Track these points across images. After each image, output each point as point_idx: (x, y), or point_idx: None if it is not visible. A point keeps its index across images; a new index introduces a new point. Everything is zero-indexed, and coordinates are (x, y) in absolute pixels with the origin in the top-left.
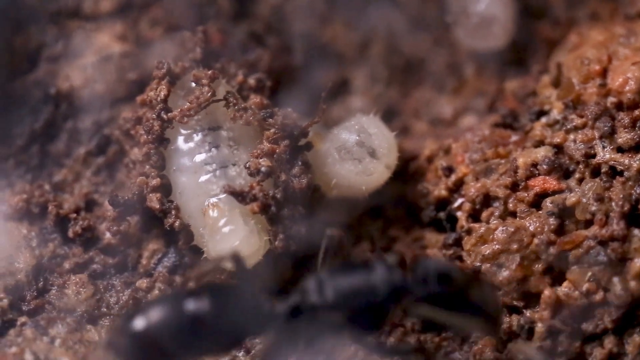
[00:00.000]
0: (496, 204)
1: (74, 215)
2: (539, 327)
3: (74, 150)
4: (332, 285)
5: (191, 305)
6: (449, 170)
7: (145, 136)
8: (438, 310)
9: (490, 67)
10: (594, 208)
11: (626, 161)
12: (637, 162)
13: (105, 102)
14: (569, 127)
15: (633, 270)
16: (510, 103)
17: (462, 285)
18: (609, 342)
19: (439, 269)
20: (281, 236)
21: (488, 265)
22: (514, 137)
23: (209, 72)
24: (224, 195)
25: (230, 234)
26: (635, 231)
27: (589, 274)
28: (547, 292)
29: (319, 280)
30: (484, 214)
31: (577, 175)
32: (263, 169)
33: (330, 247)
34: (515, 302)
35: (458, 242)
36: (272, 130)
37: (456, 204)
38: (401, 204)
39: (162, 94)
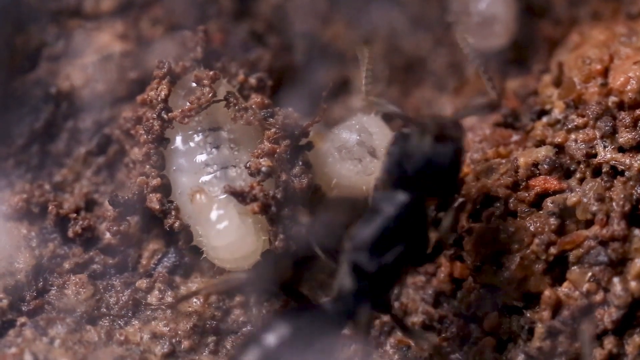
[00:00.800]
0: (497, 203)
1: (74, 215)
2: (539, 327)
3: (74, 149)
4: (372, 248)
5: (273, 339)
6: None
7: (145, 136)
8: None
9: (492, 67)
10: (594, 208)
11: (627, 161)
12: (638, 161)
13: (106, 101)
14: (570, 126)
15: (633, 270)
16: (511, 102)
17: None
18: (609, 343)
19: (418, 160)
20: (281, 236)
21: (488, 265)
22: (515, 137)
23: (210, 72)
24: (225, 196)
25: (224, 231)
26: (636, 231)
27: (589, 274)
28: (547, 293)
29: (360, 252)
30: (485, 214)
31: (578, 175)
32: (263, 168)
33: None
34: (515, 303)
35: (458, 242)
36: (273, 130)
37: (457, 204)
38: None
39: (163, 93)
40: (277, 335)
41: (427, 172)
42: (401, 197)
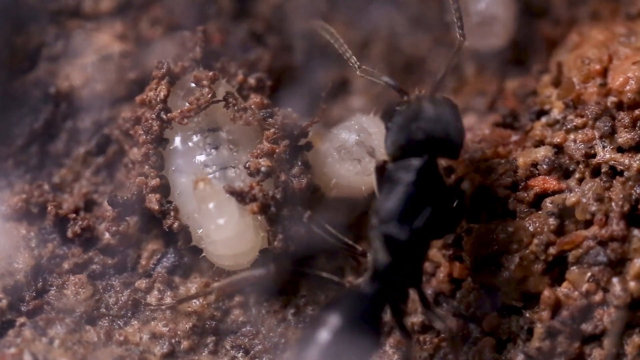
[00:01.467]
0: (496, 204)
1: (73, 215)
2: (538, 327)
3: (73, 150)
4: (400, 216)
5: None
6: (449, 170)
7: (144, 136)
8: None
9: (491, 67)
10: (593, 208)
11: (626, 161)
12: (637, 162)
13: (105, 101)
14: (569, 126)
15: (633, 270)
16: (510, 103)
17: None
18: (609, 343)
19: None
20: (280, 236)
21: (487, 265)
22: (514, 137)
23: (210, 73)
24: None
25: (224, 225)
26: (635, 231)
27: (589, 274)
28: (546, 293)
29: (389, 223)
30: (484, 214)
31: (577, 175)
32: (263, 169)
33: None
34: (514, 303)
35: (458, 242)
36: (272, 130)
37: (456, 204)
38: None
39: (162, 94)
40: (330, 328)
41: (434, 131)
42: (416, 161)
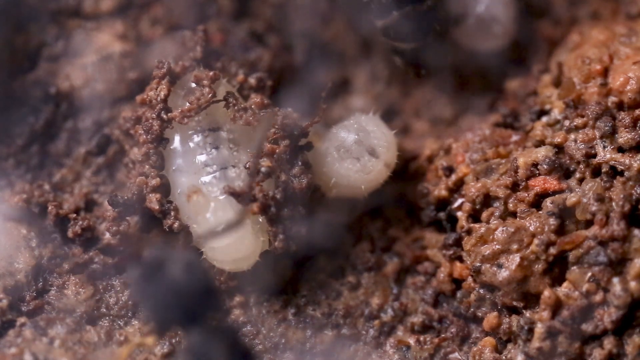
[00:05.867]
0: (496, 204)
1: (74, 215)
2: (539, 327)
3: (74, 149)
4: None
5: None
6: (449, 170)
7: (144, 136)
8: None
9: (491, 67)
10: (594, 208)
11: (627, 161)
12: (638, 162)
13: (106, 101)
14: (569, 126)
15: (633, 270)
16: (510, 103)
17: None
18: (609, 343)
19: None
20: (281, 237)
21: (488, 265)
22: (515, 137)
23: (210, 72)
24: (224, 196)
25: (223, 233)
26: (636, 231)
27: (589, 274)
28: (546, 293)
29: None
30: (484, 214)
31: (577, 175)
32: (263, 169)
33: None
34: (515, 303)
35: (458, 242)
36: (272, 130)
37: (456, 204)
38: (401, 204)
39: (162, 93)
40: None
41: None
42: None
